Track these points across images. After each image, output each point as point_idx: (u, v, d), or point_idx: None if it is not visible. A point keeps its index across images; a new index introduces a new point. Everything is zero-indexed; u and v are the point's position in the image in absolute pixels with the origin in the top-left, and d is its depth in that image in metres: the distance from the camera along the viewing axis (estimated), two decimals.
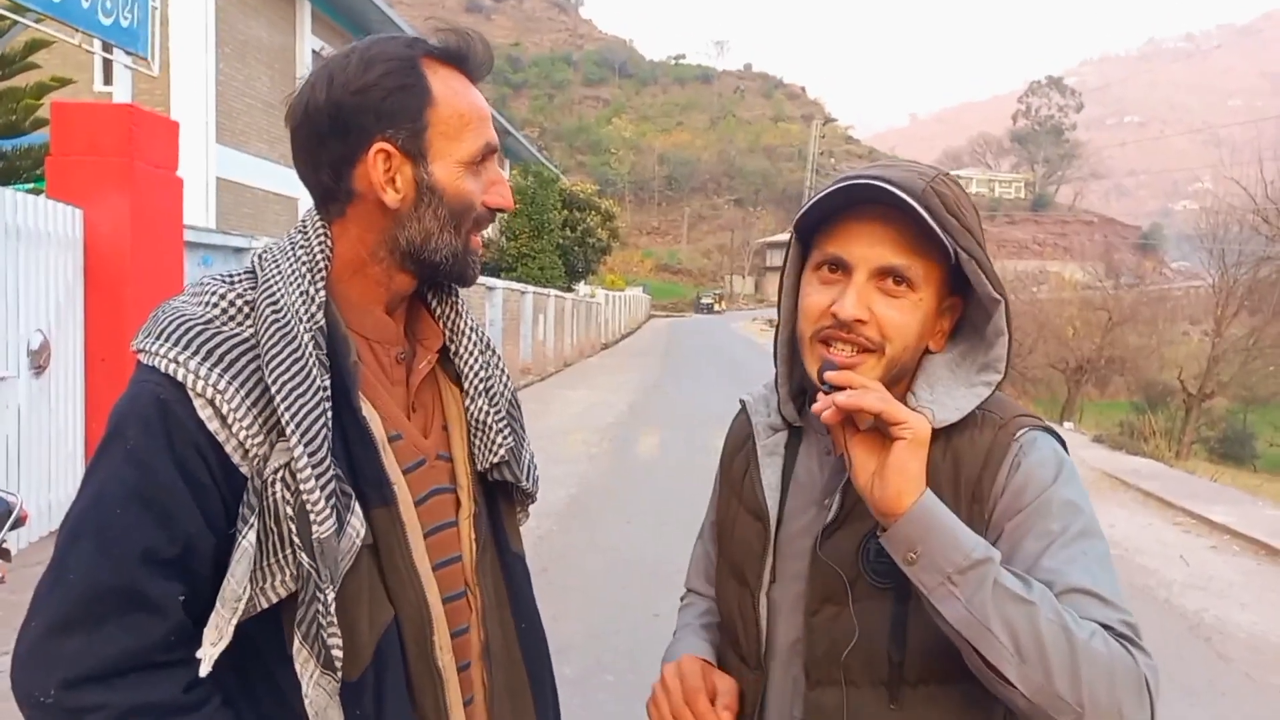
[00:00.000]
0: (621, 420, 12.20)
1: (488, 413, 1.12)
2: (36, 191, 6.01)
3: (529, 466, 1.19)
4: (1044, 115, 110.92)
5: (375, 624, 0.96)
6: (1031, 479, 0.99)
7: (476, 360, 1.14)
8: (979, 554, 0.90)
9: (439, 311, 1.14)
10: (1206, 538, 7.29)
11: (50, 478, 5.64)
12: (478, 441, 1.11)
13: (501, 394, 1.17)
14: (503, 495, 1.17)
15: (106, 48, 7.07)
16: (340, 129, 0.99)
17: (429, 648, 1.01)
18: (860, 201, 1.02)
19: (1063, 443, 1.06)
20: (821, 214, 1.05)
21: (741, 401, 1.23)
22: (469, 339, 1.14)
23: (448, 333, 1.13)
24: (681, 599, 1.34)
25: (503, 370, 1.20)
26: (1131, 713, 0.88)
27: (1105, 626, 0.91)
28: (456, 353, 1.13)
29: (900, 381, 1.07)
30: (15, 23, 6.95)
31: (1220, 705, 4.14)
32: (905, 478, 0.92)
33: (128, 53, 7.26)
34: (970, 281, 1.03)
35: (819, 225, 1.07)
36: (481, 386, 1.13)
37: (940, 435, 1.02)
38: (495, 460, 1.11)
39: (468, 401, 1.12)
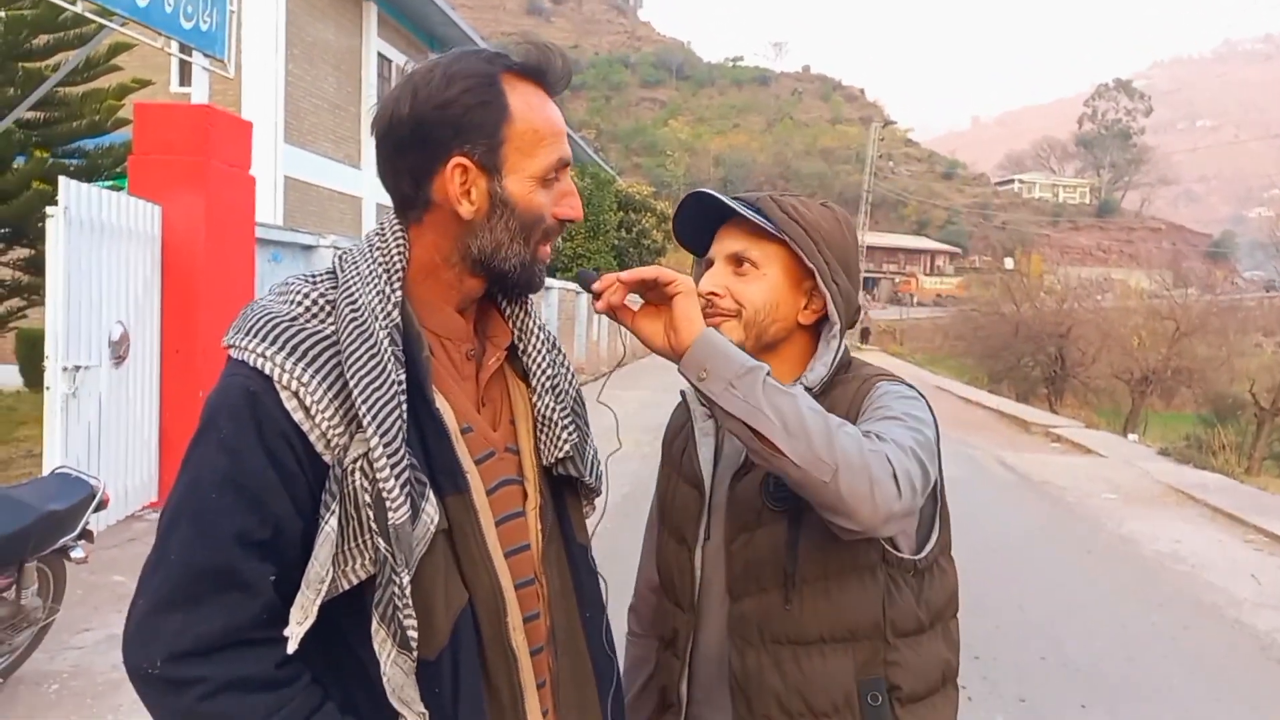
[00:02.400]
0: None
1: (554, 409, 1.16)
2: (116, 189, 6.25)
3: (592, 462, 1.22)
4: (1111, 119, 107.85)
5: (451, 606, 1.00)
6: (876, 399, 1.26)
7: (544, 358, 1.18)
8: (751, 364, 1.11)
9: (508, 311, 1.18)
10: (1279, 556, 7.05)
11: (128, 463, 5.87)
12: (544, 437, 1.15)
13: (567, 391, 1.21)
14: (568, 488, 1.20)
15: (185, 50, 7.31)
16: (421, 141, 1.04)
17: (503, 630, 1.05)
18: (725, 218, 1.36)
19: (923, 397, 1.30)
20: (711, 235, 1.38)
21: (681, 393, 1.46)
22: (537, 338, 1.18)
23: (516, 332, 1.17)
24: (627, 635, 1.56)
25: (568, 368, 1.24)
26: (878, 471, 1.07)
27: (865, 435, 1.12)
28: (525, 351, 1.17)
29: (779, 352, 1.35)
30: (102, 27, 7.23)
31: None
32: (689, 320, 1.13)
33: (206, 55, 7.51)
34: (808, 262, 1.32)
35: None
36: (548, 384, 1.17)
37: (822, 396, 1.29)
38: (560, 455, 1.15)
39: (535, 398, 1.16)
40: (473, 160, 1.03)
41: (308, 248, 7.89)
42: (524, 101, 1.05)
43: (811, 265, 1.31)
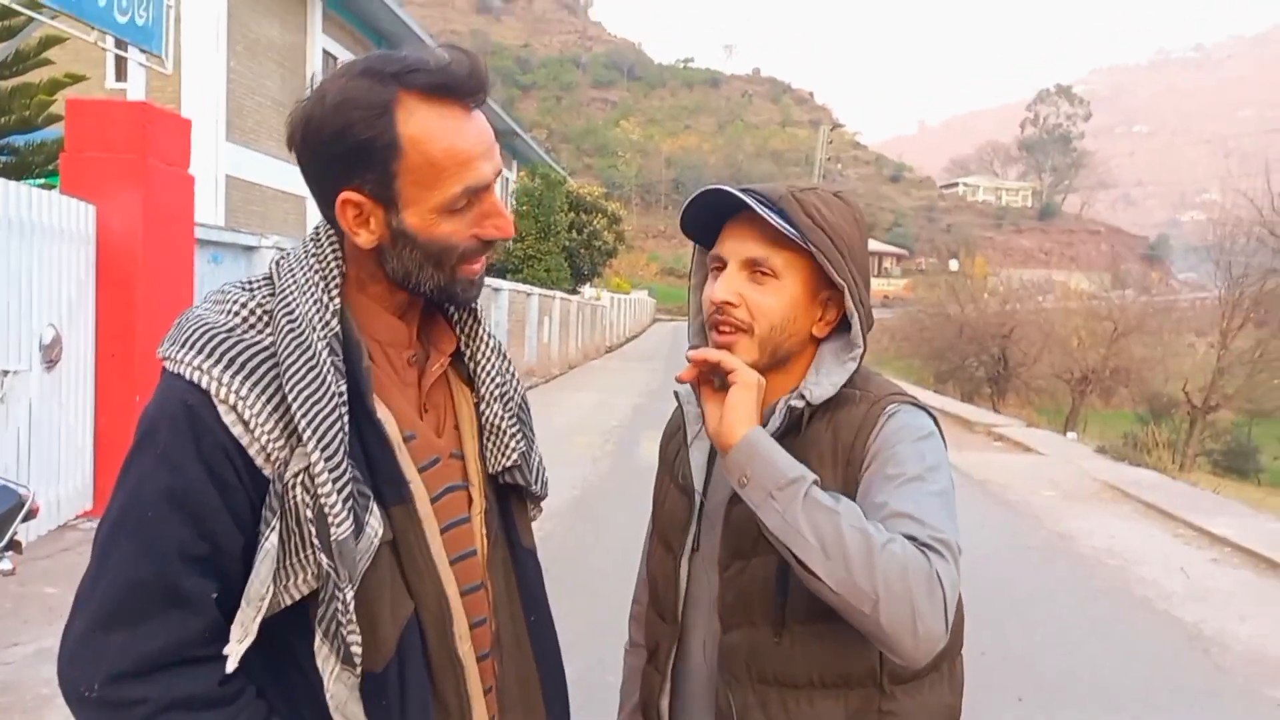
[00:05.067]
0: (625, 423, 12.22)
1: (502, 417, 1.15)
2: (49, 187, 6.06)
3: (538, 469, 1.22)
4: (1052, 124, 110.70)
5: (397, 617, 1.00)
6: (887, 440, 1.16)
7: (492, 365, 1.17)
8: (794, 474, 1.06)
9: (455, 317, 1.16)
10: (1208, 550, 7.29)
11: (60, 471, 5.69)
12: (490, 445, 1.14)
13: (513, 398, 1.20)
14: (513, 493, 1.20)
15: (120, 45, 7.13)
16: (314, 173, 1.02)
17: (449, 638, 1.04)
18: (737, 210, 1.22)
19: (933, 417, 1.22)
20: (715, 225, 1.25)
21: (676, 394, 1.38)
22: (485, 344, 1.17)
23: (463, 338, 1.16)
24: (626, 645, 1.51)
25: (513, 375, 1.23)
26: (922, 602, 1.00)
27: (911, 538, 1.04)
28: (472, 357, 1.16)
29: (789, 367, 1.25)
30: (31, 19, 7.01)
31: (1218, 716, 4.16)
32: (737, 414, 1.11)
33: (142, 50, 7.32)
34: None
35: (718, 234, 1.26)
36: (498, 392, 1.16)
37: (825, 412, 1.20)
38: (507, 464, 1.15)
39: (482, 406, 1.15)
40: (365, 194, 0.99)
41: (249, 248, 7.73)
42: (422, 129, 0.97)
43: (841, 281, 1.19)
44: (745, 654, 1.20)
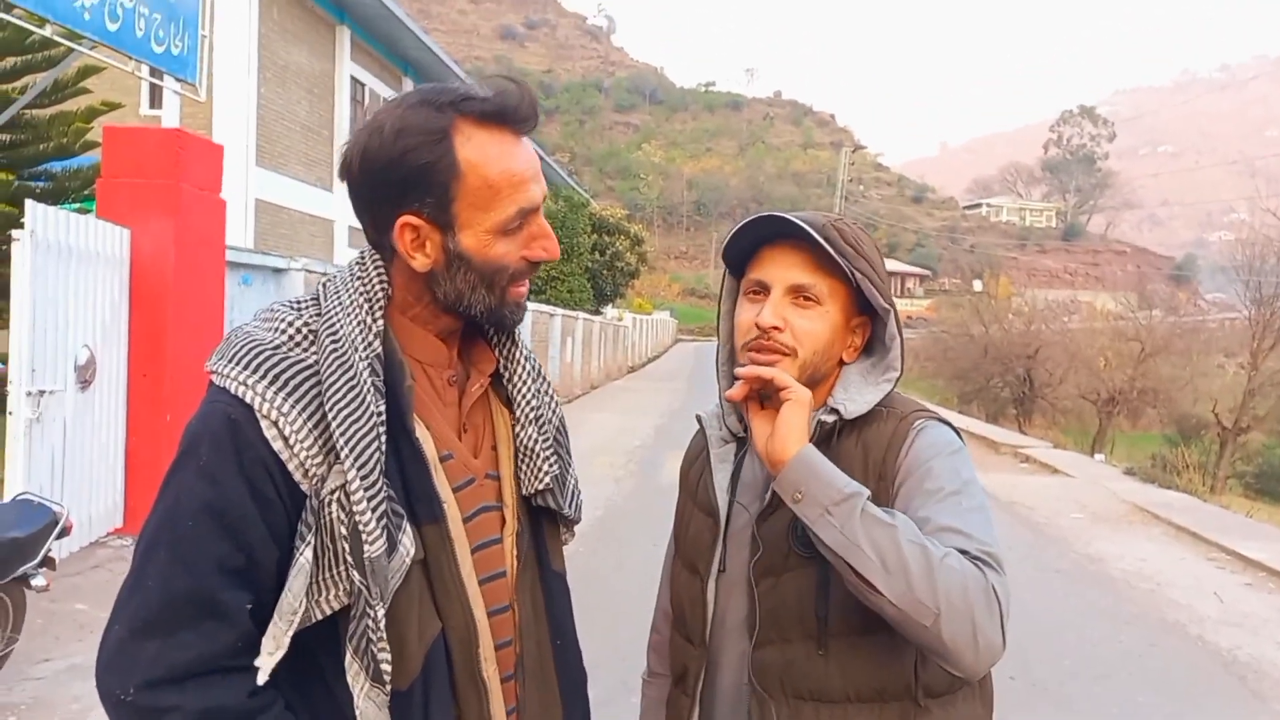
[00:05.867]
0: (647, 444, 12.21)
1: (536, 440, 1.16)
2: (84, 212, 6.19)
3: (573, 493, 1.23)
4: (1076, 144, 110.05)
5: (424, 636, 1.01)
6: (920, 455, 1.18)
7: (529, 388, 1.18)
8: (850, 490, 1.08)
9: (495, 339, 1.18)
10: (1241, 574, 7.16)
11: (92, 490, 5.77)
12: (525, 467, 1.15)
13: (550, 421, 1.21)
14: (546, 516, 1.20)
15: (155, 73, 7.29)
16: (372, 198, 1.04)
17: (474, 659, 1.05)
18: (776, 237, 1.25)
19: (956, 431, 1.25)
20: (748, 250, 1.28)
21: (698, 418, 1.41)
22: (523, 367, 1.18)
23: (502, 360, 1.17)
24: (644, 675, 1.50)
25: (552, 398, 1.25)
26: (982, 616, 1.02)
27: (963, 551, 1.06)
28: (510, 379, 1.17)
29: (820, 388, 1.27)
30: (71, 50, 7.18)
31: None
32: (790, 431, 1.12)
33: (177, 79, 7.48)
34: (869, 300, 1.25)
35: (748, 260, 1.29)
36: (532, 415, 1.17)
37: (854, 429, 1.23)
38: (540, 487, 1.15)
39: (518, 428, 1.16)
40: (423, 218, 1.02)
41: (278, 270, 7.85)
42: (479, 153, 1.01)
43: (885, 306, 1.24)
44: (780, 670, 1.20)
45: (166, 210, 6.16)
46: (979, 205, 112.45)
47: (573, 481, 1.24)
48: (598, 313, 25.69)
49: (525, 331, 16.51)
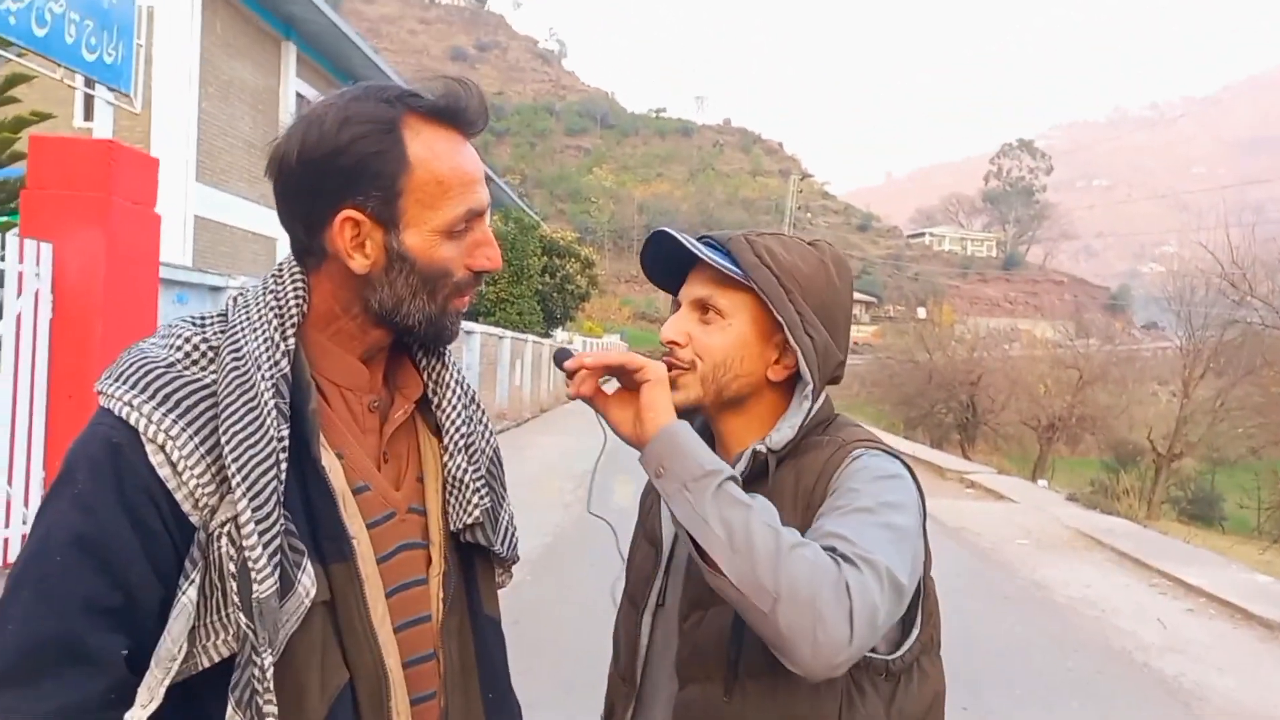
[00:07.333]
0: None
1: (466, 470, 1.07)
2: (9, 225, 5.91)
3: (506, 530, 1.13)
4: (1015, 176, 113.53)
5: (328, 688, 0.90)
6: (847, 482, 1.11)
7: (459, 415, 1.09)
8: (711, 467, 1.01)
9: (423, 362, 1.09)
10: (1183, 600, 7.27)
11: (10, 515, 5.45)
12: (453, 500, 1.06)
13: (483, 450, 1.12)
14: (479, 555, 1.11)
15: (89, 83, 7.03)
16: (310, 190, 0.96)
17: (385, 714, 0.95)
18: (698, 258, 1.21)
19: (907, 466, 1.17)
20: (683, 273, 1.26)
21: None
22: (453, 391, 1.10)
23: (430, 384, 1.09)
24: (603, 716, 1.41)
25: (486, 425, 1.16)
26: (827, 608, 0.93)
27: (830, 549, 0.98)
28: (439, 405, 1.09)
29: (748, 411, 1.22)
30: None
31: None
32: (655, 410, 1.06)
33: (110, 89, 7.23)
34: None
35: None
36: (462, 443, 1.08)
37: (792, 458, 1.17)
38: (469, 521, 1.06)
39: (446, 458, 1.07)
40: (365, 213, 0.95)
41: (216, 289, 7.58)
42: (428, 148, 0.95)
43: (781, 317, 1.17)
44: (698, 711, 1.14)
45: (96, 223, 5.90)
46: (922, 234, 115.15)
47: (506, 517, 1.14)
48: (547, 335, 25.55)
49: (474, 354, 16.34)
